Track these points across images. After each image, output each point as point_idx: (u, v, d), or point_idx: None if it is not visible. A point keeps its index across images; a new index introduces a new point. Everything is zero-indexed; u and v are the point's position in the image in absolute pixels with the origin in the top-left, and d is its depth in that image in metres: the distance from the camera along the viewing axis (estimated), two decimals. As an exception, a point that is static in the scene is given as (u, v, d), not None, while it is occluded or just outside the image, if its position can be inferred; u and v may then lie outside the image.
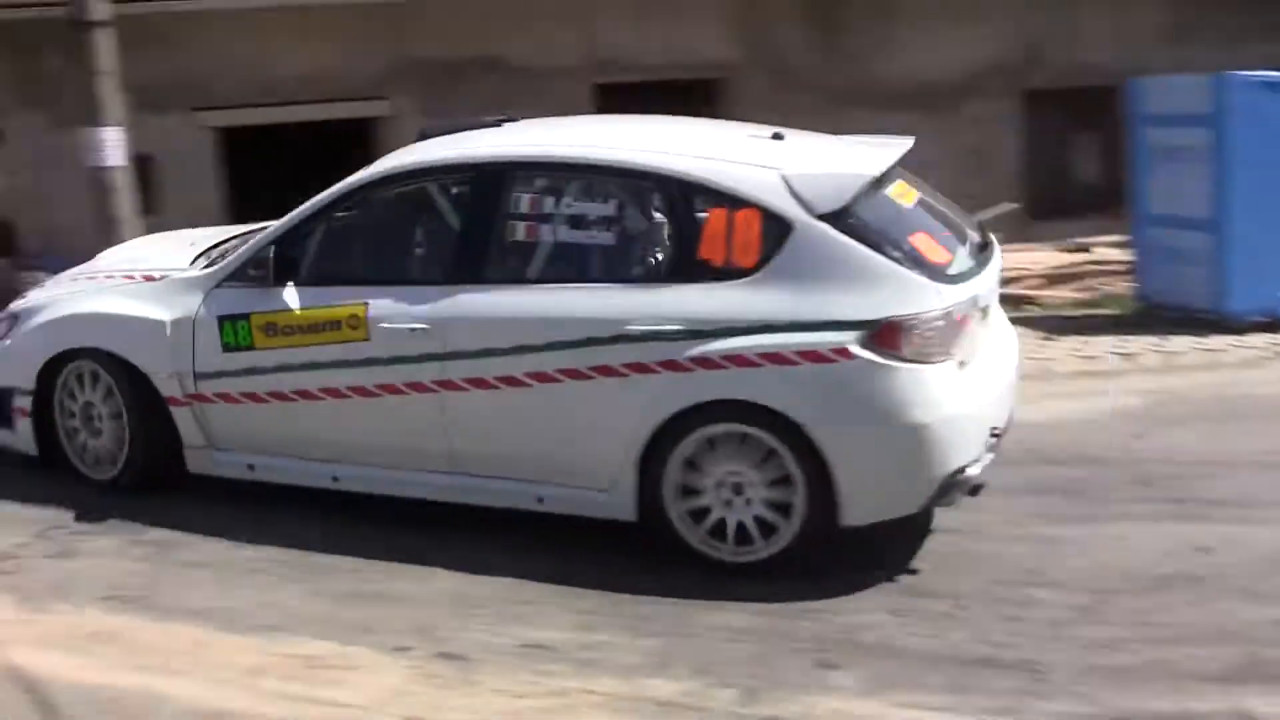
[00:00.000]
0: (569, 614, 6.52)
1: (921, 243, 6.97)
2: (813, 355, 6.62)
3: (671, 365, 6.83)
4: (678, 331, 6.82)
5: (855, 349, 6.58)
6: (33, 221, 17.07)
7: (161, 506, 8.02)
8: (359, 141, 18.25)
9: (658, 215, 7.13)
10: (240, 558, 7.29)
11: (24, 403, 8.60)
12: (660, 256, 7.08)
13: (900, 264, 6.73)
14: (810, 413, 6.64)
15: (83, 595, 6.89)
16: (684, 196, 7.04)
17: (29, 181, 16.96)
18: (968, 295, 6.91)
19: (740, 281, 6.82)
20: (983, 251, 7.50)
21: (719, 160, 7.16)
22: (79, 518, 7.96)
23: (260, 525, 7.69)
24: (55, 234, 16.69)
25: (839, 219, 6.81)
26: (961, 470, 6.75)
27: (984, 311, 7.28)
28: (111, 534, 7.70)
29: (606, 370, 6.95)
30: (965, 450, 6.76)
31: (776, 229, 6.83)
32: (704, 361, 6.77)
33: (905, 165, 7.69)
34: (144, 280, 8.46)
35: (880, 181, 7.21)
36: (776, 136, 7.59)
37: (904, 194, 7.41)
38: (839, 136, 8.21)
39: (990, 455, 6.97)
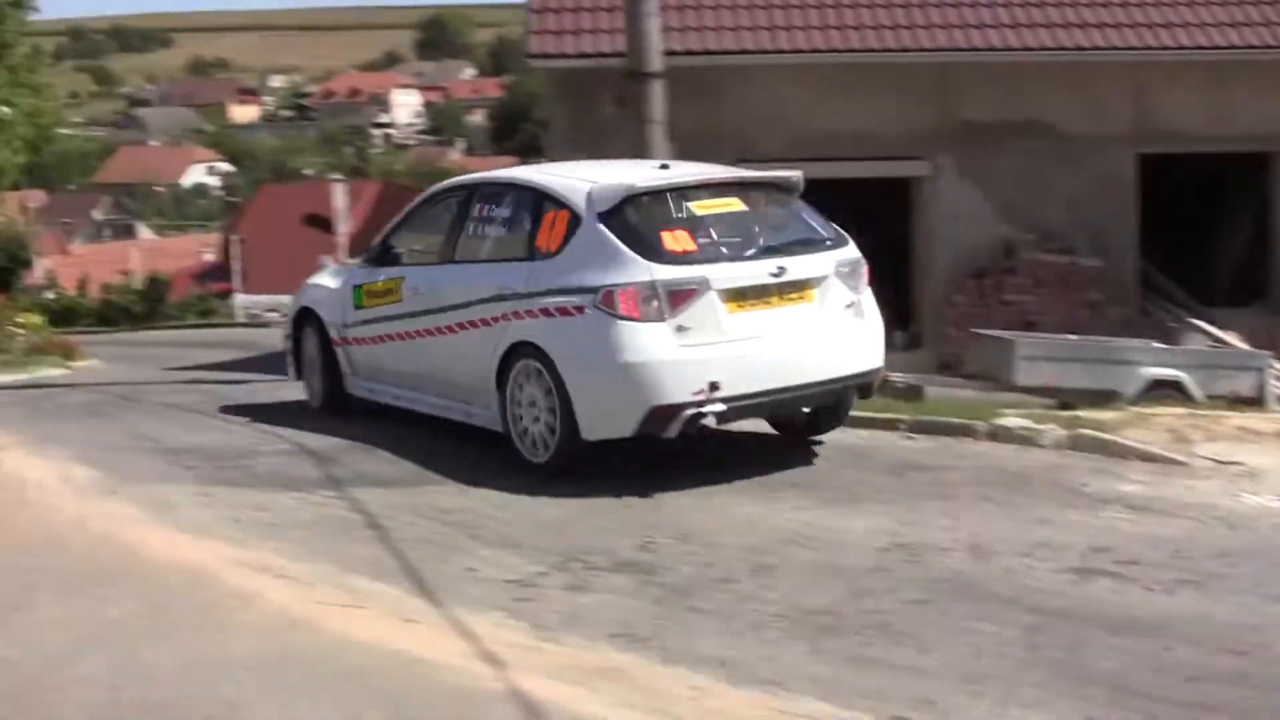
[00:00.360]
0: (1075, 700, 6.31)
1: (669, 237, 9.70)
2: (564, 310, 9.69)
3: (505, 317, 10.10)
4: (511, 294, 10.07)
5: (587, 308, 9.55)
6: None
7: (675, 551, 8.21)
8: (897, 200, 18.33)
9: (528, 215, 10.38)
10: (747, 610, 7.37)
11: (288, 345, 13.00)
12: (522, 243, 10.32)
13: (630, 248, 9.58)
14: (558, 350, 9.68)
15: (593, 630, 7.08)
16: (540, 201, 10.31)
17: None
18: (689, 276, 9.52)
19: (550, 260, 9.96)
20: (778, 254, 9.89)
21: (566, 177, 10.49)
22: (594, 552, 8.22)
23: (764, 580, 7.78)
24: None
25: (607, 217, 9.77)
26: (676, 409, 9.42)
27: (763, 295, 9.73)
28: (625, 572, 7.91)
29: (483, 321, 10.33)
30: (669, 392, 9.40)
31: (574, 223, 9.91)
32: (516, 314, 10.01)
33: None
34: (339, 265, 13.85)
35: (679, 194, 10.00)
36: (663, 166, 10.72)
37: (716, 205, 10.06)
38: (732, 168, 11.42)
39: (720, 405, 9.46)
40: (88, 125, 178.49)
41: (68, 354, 25.09)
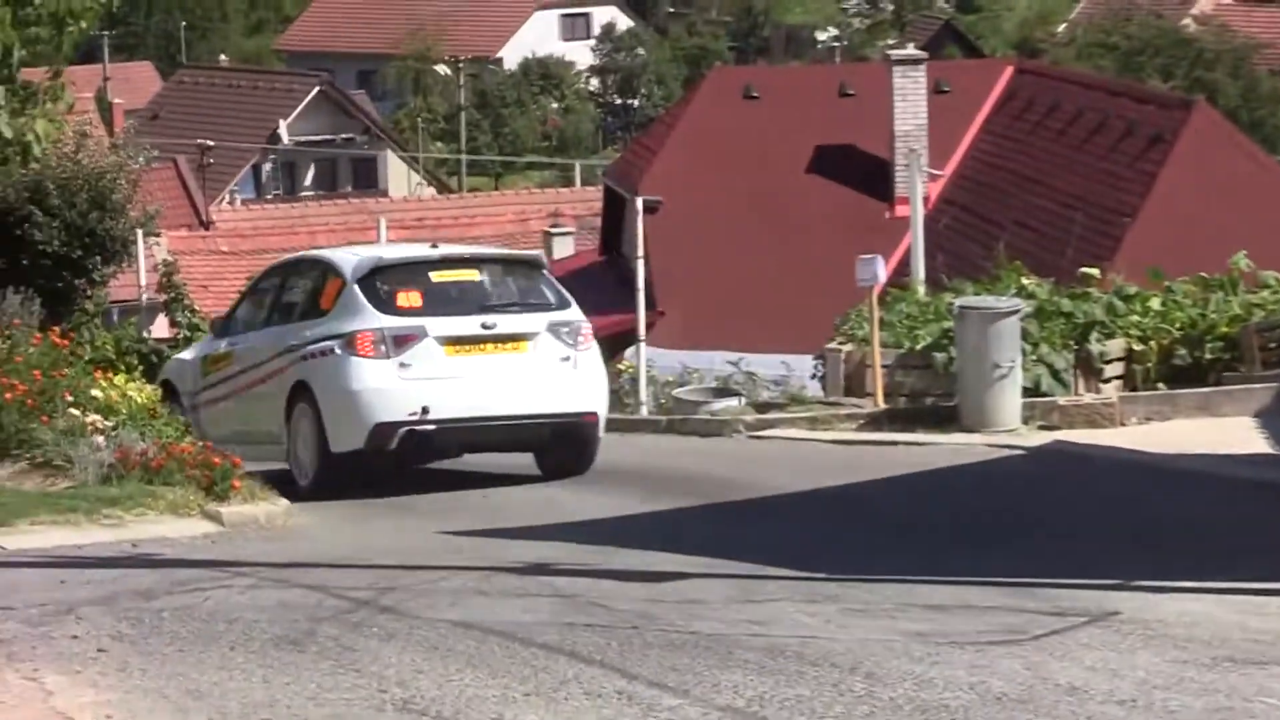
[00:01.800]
0: None
1: (402, 295, 16.09)
2: (321, 352, 16.08)
3: (292, 362, 16.58)
4: (295, 345, 16.51)
5: (336, 349, 15.92)
6: None
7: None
8: None
9: (318, 283, 17.13)
10: None
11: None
12: (311, 304, 16.97)
13: (370, 304, 15.95)
14: (315, 381, 16.08)
15: None
16: (325, 271, 17.17)
17: None
18: (408, 324, 15.79)
19: (324, 317, 16.40)
20: (491, 311, 16.19)
21: (348, 253, 18.22)
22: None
23: None
24: None
25: (362, 281, 16.19)
26: (394, 426, 15.46)
27: (478, 343, 16.03)
28: None
29: (279, 371, 16.80)
30: (387, 412, 15.46)
31: (343, 287, 16.34)
32: (295, 359, 16.48)
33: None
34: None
35: (422, 265, 16.81)
36: (433, 245, 18.38)
37: (458, 276, 16.68)
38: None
39: (430, 426, 15.47)
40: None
41: (212, 484, 14.15)
